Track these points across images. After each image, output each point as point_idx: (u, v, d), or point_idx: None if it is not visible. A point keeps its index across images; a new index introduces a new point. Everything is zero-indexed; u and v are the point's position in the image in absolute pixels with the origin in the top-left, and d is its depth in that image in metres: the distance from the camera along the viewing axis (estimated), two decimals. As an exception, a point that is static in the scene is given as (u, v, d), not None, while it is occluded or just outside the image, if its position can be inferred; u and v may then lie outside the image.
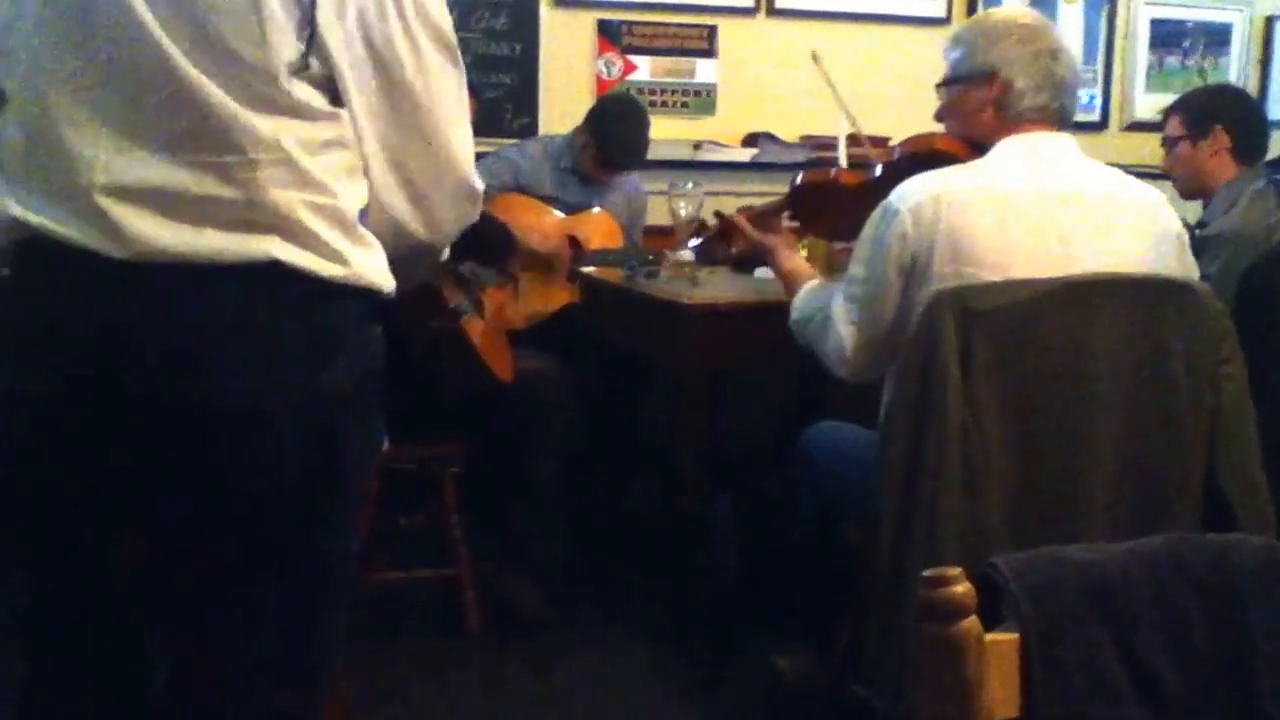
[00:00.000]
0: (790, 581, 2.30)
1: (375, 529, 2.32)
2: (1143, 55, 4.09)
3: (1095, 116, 4.04)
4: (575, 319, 2.86)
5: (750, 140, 3.63)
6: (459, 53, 1.17)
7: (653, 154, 3.13)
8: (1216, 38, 4.14)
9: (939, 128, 1.91)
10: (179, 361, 1.03)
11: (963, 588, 0.76)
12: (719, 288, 2.50)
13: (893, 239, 1.64)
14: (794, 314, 1.94)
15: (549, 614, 2.58)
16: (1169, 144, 2.57)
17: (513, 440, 2.59)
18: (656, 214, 3.08)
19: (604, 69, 3.56)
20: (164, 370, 1.03)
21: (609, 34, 3.56)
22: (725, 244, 2.32)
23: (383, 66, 1.10)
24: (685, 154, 3.50)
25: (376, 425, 1.18)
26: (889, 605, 1.59)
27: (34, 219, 1.03)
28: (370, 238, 1.12)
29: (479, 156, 3.12)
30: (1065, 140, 1.71)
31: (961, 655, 0.77)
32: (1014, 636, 0.81)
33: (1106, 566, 0.85)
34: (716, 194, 2.66)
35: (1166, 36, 4.10)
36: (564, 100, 3.48)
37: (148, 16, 1.01)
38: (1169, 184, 2.47)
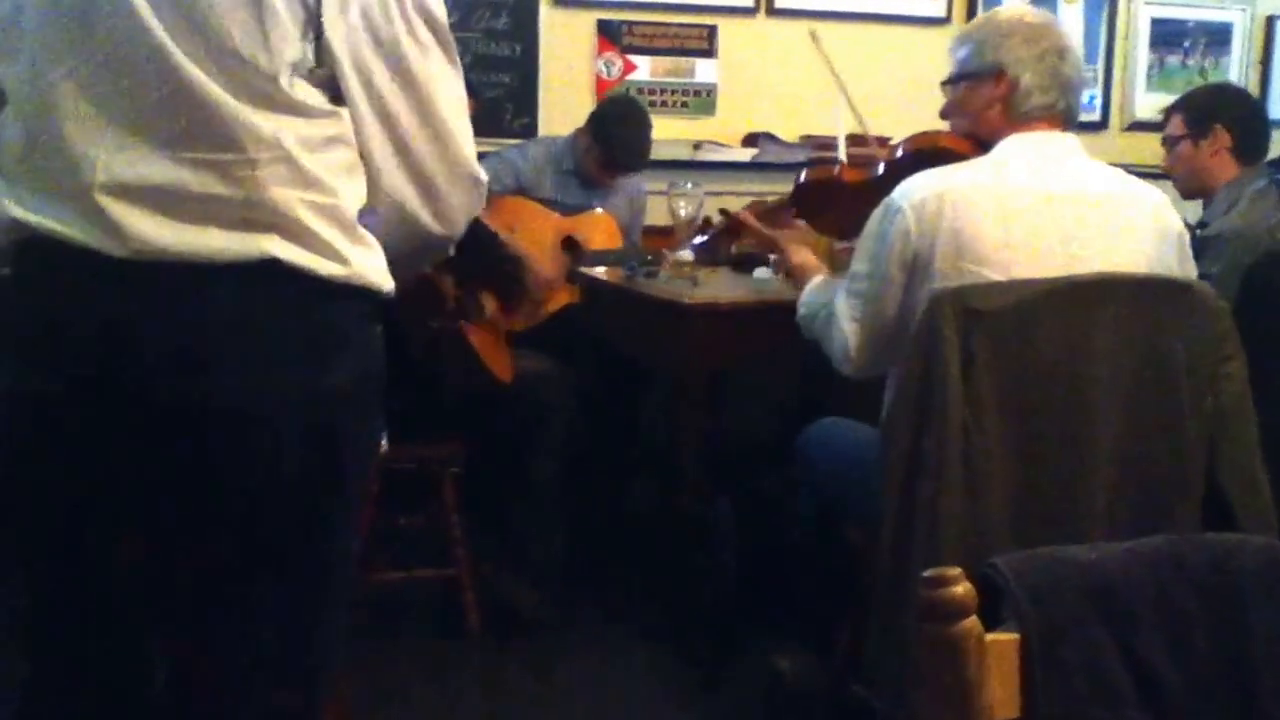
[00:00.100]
0: (790, 582, 2.30)
1: (375, 529, 2.32)
2: (1143, 55, 4.09)
3: (1095, 116, 4.03)
4: (575, 319, 2.86)
5: (750, 140, 3.63)
6: (454, 47, 1.17)
7: (653, 154, 3.13)
8: (1217, 37, 4.14)
9: (939, 127, 1.91)
10: (179, 361, 1.03)
11: (963, 588, 0.76)
12: (719, 288, 2.50)
13: (895, 236, 1.64)
14: (801, 309, 1.95)
15: (549, 614, 2.58)
16: (1170, 143, 2.57)
17: (513, 440, 2.59)
18: (656, 214, 3.08)
19: (604, 69, 3.56)
20: (164, 369, 1.03)
21: (609, 34, 3.56)
22: (730, 240, 2.32)
23: (394, 61, 1.10)
24: (685, 154, 3.50)
25: (376, 425, 1.18)
26: (889, 605, 1.58)
27: (34, 218, 1.03)
28: (370, 238, 1.12)
29: (480, 157, 3.12)
30: (1069, 140, 1.71)
31: (961, 656, 0.76)
32: (1014, 637, 0.80)
33: (1107, 567, 0.85)
34: (716, 194, 2.66)
35: (1167, 36, 4.10)
36: (564, 100, 3.48)
37: (148, 15, 1.01)
38: (1169, 184, 2.47)
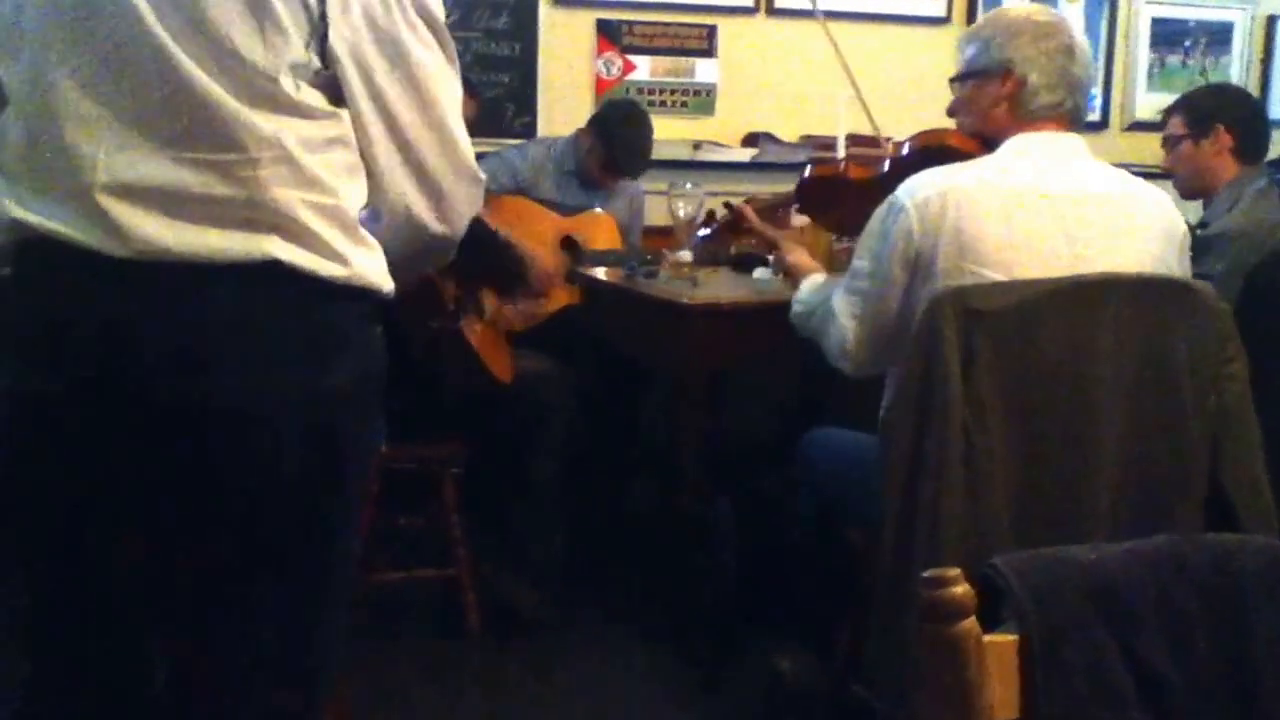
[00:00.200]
0: (790, 582, 2.30)
1: (375, 529, 2.32)
2: (1144, 54, 4.09)
3: (1096, 116, 4.03)
4: (575, 320, 2.86)
5: (750, 140, 3.63)
6: (453, 47, 1.17)
7: (653, 154, 3.13)
8: (1218, 37, 4.14)
9: (938, 126, 1.90)
10: (179, 361, 1.03)
11: (962, 589, 0.76)
12: (719, 288, 2.50)
13: (898, 234, 1.64)
14: (796, 306, 1.95)
15: (549, 614, 2.58)
16: (1170, 144, 2.57)
17: (513, 440, 2.59)
18: (656, 214, 3.08)
19: (603, 69, 3.56)
20: (164, 369, 1.03)
21: (609, 33, 3.56)
22: (733, 235, 2.32)
23: (396, 62, 1.10)
24: (685, 154, 3.50)
25: (377, 426, 1.18)
26: (890, 606, 1.58)
27: (34, 218, 1.03)
28: (370, 238, 1.12)
29: (479, 157, 3.11)
30: (1074, 140, 1.71)
31: (962, 656, 0.76)
32: (1014, 638, 0.80)
33: (1108, 567, 0.85)
34: (716, 194, 2.66)
35: (1168, 36, 4.10)
36: (563, 100, 3.48)
37: (149, 15, 1.01)
38: (1169, 184, 2.47)
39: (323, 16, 1.05)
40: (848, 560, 1.95)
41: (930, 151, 1.81)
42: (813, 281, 1.97)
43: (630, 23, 3.57)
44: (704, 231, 2.42)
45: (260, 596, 1.10)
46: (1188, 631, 0.83)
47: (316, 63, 1.06)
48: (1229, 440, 1.60)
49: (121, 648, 1.14)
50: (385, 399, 1.16)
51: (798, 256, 2.12)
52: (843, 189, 2.05)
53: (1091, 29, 4.00)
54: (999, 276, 1.58)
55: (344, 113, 1.10)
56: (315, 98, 1.07)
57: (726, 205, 2.31)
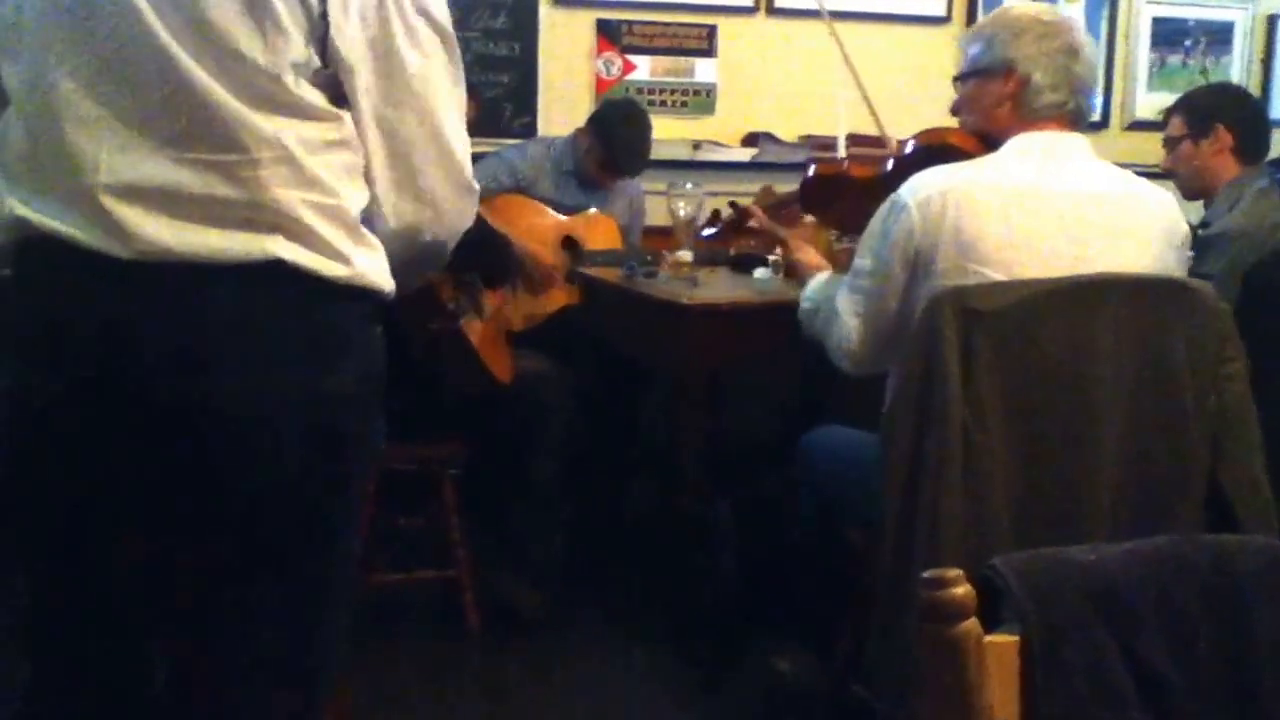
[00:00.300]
0: (790, 583, 2.30)
1: (375, 530, 2.32)
2: (1144, 54, 4.09)
3: (1096, 116, 4.03)
4: (575, 320, 2.86)
5: (750, 140, 3.62)
6: (456, 48, 1.17)
7: (652, 154, 3.13)
8: (1218, 36, 4.14)
9: (936, 125, 1.90)
10: (179, 361, 1.03)
11: (962, 589, 0.76)
12: (719, 288, 2.50)
13: (899, 233, 1.64)
14: (804, 304, 1.95)
15: (549, 615, 2.58)
16: (1170, 144, 2.57)
17: (513, 441, 2.58)
18: (656, 214, 3.07)
19: (603, 68, 3.56)
20: (164, 370, 1.03)
21: (608, 33, 3.56)
22: (737, 235, 2.32)
23: (394, 65, 1.10)
24: (685, 154, 3.50)
25: (377, 426, 1.18)
26: (890, 606, 1.58)
27: (36, 218, 1.04)
28: (372, 239, 1.12)
29: (478, 157, 3.11)
30: (1077, 140, 1.70)
31: (961, 657, 0.76)
32: (1014, 639, 0.80)
33: (1108, 568, 0.85)
34: (716, 194, 2.66)
35: (1168, 35, 4.10)
36: (563, 100, 3.48)
37: (150, 15, 1.01)
38: (1169, 184, 2.47)
39: (323, 16, 1.05)
40: (848, 560, 1.95)
41: (933, 150, 1.81)
42: (819, 279, 1.97)
43: (630, 22, 3.57)
44: (709, 230, 2.42)
45: (260, 597, 1.10)
46: (1188, 632, 0.83)
47: (316, 62, 1.06)
48: (1229, 440, 1.60)
49: (122, 648, 1.14)
50: (385, 399, 1.16)
51: (805, 254, 2.12)
52: (845, 187, 2.05)
53: (1092, 28, 4.00)
54: (1000, 276, 1.58)
55: (346, 114, 1.10)
56: (316, 97, 1.07)
57: (732, 204, 2.31)
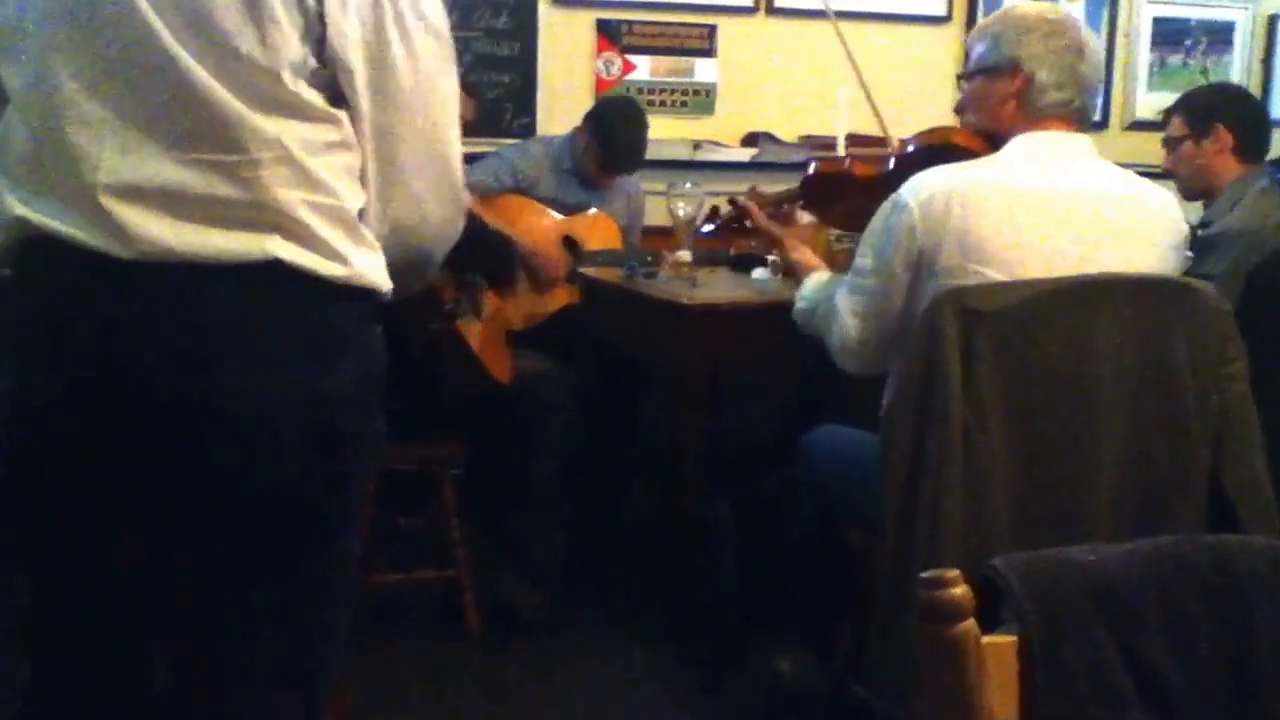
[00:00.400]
0: (791, 582, 2.30)
1: (375, 530, 2.32)
2: (1144, 54, 4.08)
3: (1097, 116, 4.02)
4: (575, 319, 2.86)
5: (750, 140, 3.62)
6: (453, 52, 1.16)
7: (652, 154, 3.13)
8: (1219, 36, 4.13)
9: (937, 125, 1.90)
10: (179, 361, 1.03)
11: (961, 590, 0.76)
12: (719, 288, 2.50)
13: (901, 232, 1.64)
14: (800, 303, 1.94)
15: (549, 615, 2.58)
16: (1171, 145, 2.57)
17: (513, 441, 2.58)
18: (656, 214, 3.07)
19: (603, 68, 3.56)
20: (164, 370, 1.03)
21: (608, 33, 3.56)
22: (735, 233, 2.32)
23: (378, 64, 1.10)
24: (685, 154, 3.50)
25: (377, 426, 1.17)
26: (890, 606, 1.58)
27: (37, 218, 1.04)
28: (371, 238, 1.12)
29: (479, 157, 3.10)
30: (1081, 141, 1.70)
31: (961, 658, 0.76)
32: (1014, 639, 0.80)
33: (1109, 568, 0.85)
34: (716, 194, 2.66)
35: (1169, 35, 4.10)
36: (563, 100, 3.48)
37: (151, 15, 1.01)
38: (1170, 184, 2.47)
39: (321, 17, 1.05)
40: (848, 560, 1.94)
41: (936, 149, 1.81)
42: (816, 279, 1.97)
43: (630, 22, 3.57)
44: (708, 227, 2.42)
45: (260, 597, 1.10)
46: (1188, 632, 0.83)
47: (314, 62, 1.06)
48: (1230, 440, 1.60)
49: (122, 648, 1.14)
50: (385, 399, 1.16)
51: (801, 254, 2.11)
52: (848, 185, 2.05)
53: (1092, 28, 3.99)
54: (1002, 277, 1.57)
55: (344, 115, 1.10)
56: (315, 97, 1.07)
57: (731, 201, 2.31)
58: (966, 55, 1.84)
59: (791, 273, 2.14)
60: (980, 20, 3.62)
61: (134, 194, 1.02)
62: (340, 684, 1.78)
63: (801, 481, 2.08)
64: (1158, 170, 2.59)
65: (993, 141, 1.74)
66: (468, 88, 2.81)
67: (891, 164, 1.97)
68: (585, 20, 3.54)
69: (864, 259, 1.74)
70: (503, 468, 2.61)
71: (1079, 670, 0.80)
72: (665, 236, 2.71)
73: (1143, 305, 1.58)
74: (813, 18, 3.65)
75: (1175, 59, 4.12)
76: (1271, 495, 1.61)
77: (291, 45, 1.04)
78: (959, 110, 1.86)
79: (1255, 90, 4.04)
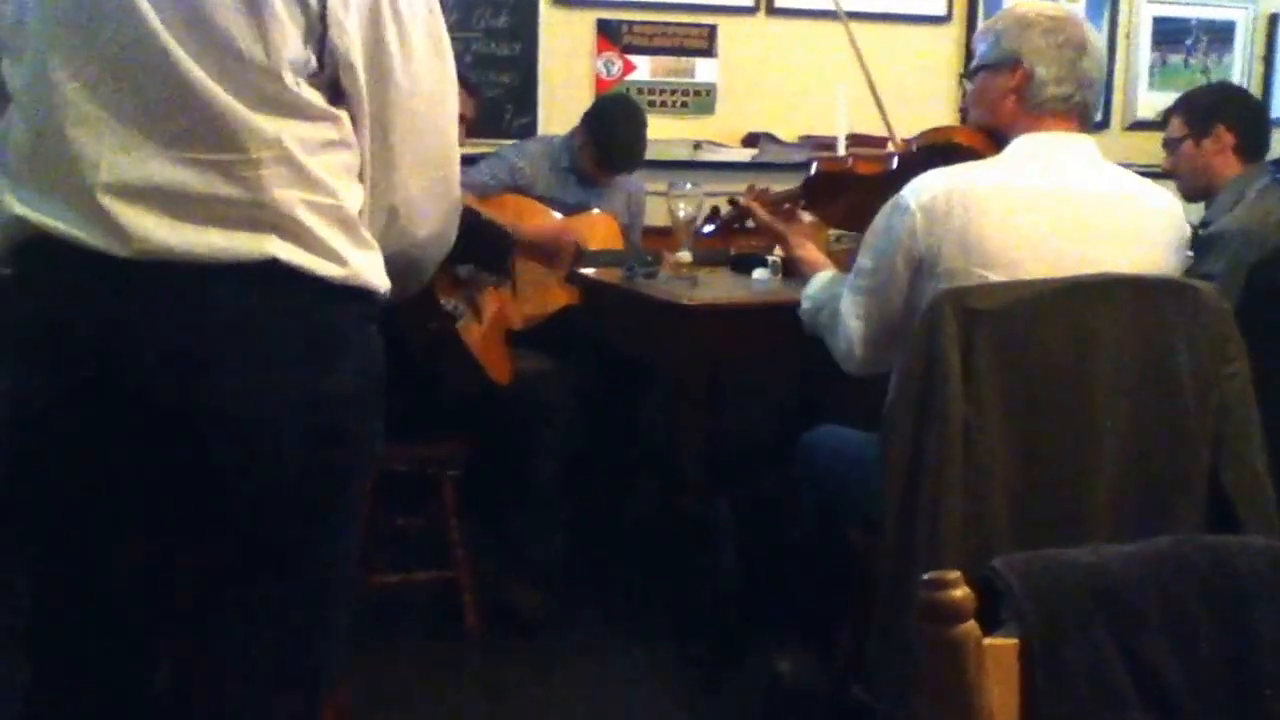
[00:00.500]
0: (790, 582, 2.29)
1: (374, 530, 2.31)
2: (1145, 53, 4.08)
3: (1097, 115, 4.02)
4: (575, 319, 2.85)
5: (750, 140, 3.62)
6: (451, 55, 1.16)
7: (651, 154, 3.13)
8: (1220, 35, 4.13)
9: (937, 124, 1.90)
10: (179, 361, 1.03)
11: (961, 591, 0.76)
12: (719, 288, 2.49)
13: (903, 234, 1.64)
14: (805, 303, 1.94)
15: (549, 615, 2.58)
16: (1171, 145, 2.57)
17: (513, 440, 2.58)
18: (656, 214, 3.07)
19: (604, 68, 3.56)
20: (164, 369, 1.03)
21: (609, 33, 3.56)
22: (734, 233, 2.31)
23: (377, 66, 1.10)
24: (685, 154, 3.50)
25: (377, 426, 1.18)
26: (890, 606, 1.58)
27: (36, 218, 1.04)
28: (370, 239, 1.13)
29: (479, 157, 3.09)
30: (1084, 141, 1.70)
31: (961, 659, 0.76)
32: (1014, 640, 0.80)
33: (1109, 568, 0.85)
34: (716, 194, 2.66)
35: (1169, 34, 4.09)
36: (564, 100, 3.48)
37: (152, 15, 1.02)
38: (1171, 184, 2.46)
39: (322, 18, 1.05)
40: (848, 560, 1.94)
41: (938, 149, 1.81)
42: (822, 278, 1.96)
43: (630, 22, 3.57)
44: (708, 227, 2.41)
45: (260, 597, 1.10)
46: (1189, 633, 0.83)
47: (314, 63, 1.06)
48: (1230, 440, 1.60)
49: (122, 649, 1.14)
50: (385, 399, 1.16)
51: (806, 251, 2.10)
52: (850, 184, 2.04)
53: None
54: (1003, 279, 1.57)
55: (344, 114, 1.10)
56: (315, 97, 1.07)
57: (732, 201, 2.31)
58: (970, 55, 1.84)
59: (795, 270, 2.13)
60: (982, 20, 3.63)
61: (133, 193, 1.02)
62: (340, 684, 1.78)
63: (801, 481, 2.07)
64: (1158, 170, 2.59)
65: (995, 139, 1.74)
66: (467, 85, 2.81)
67: (894, 163, 1.96)
68: (586, 20, 3.54)
69: (865, 261, 1.74)
70: (502, 468, 2.61)
71: (1079, 670, 0.80)
72: (665, 237, 2.71)
73: (1143, 305, 1.57)
74: (813, 18, 3.66)
75: (1176, 59, 4.11)
76: (1272, 495, 1.61)
77: (292, 45, 1.04)
78: (964, 109, 1.86)
79: (1256, 90, 4.04)
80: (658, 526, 2.72)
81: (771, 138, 3.59)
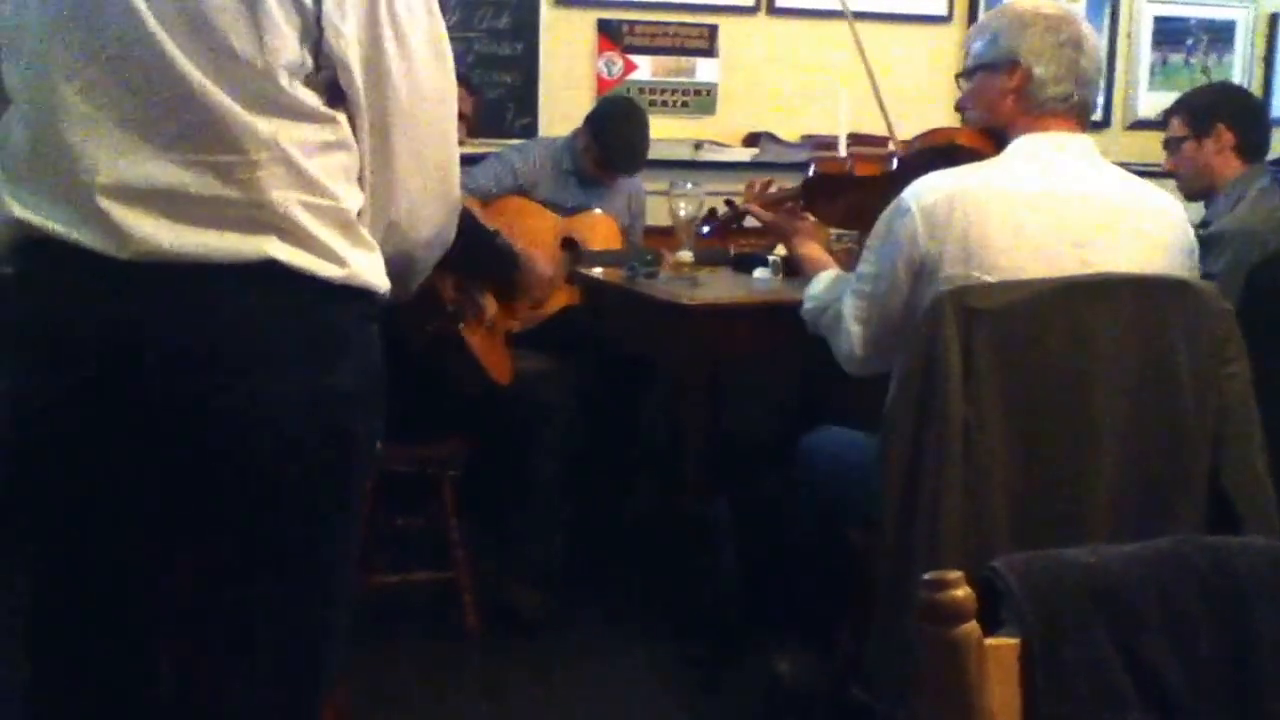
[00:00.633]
0: (790, 582, 2.29)
1: (374, 531, 2.32)
2: (1146, 53, 4.08)
3: (1098, 115, 4.02)
4: (575, 319, 2.85)
5: (751, 140, 3.62)
6: (450, 56, 1.16)
7: (653, 154, 3.13)
8: (1220, 35, 4.13)
9: (937, 125, 1.90)
10: (179, 361, 1.03)
11: (962, 591, 0.76)
12: (719, 288, 2.49)
13: (904, 238, 1.63)
14: (808, 303, 1.93)
15: (549, 615, 2.58)
16: (1172, 145, 2.56)
17: (513, 440, 2.58)
18: (656, 214, 3.07)
19: (605, 68, 3.56)
20: (164, 370, 1.03)
21: (610, 33, 3.56)
22: (732, 234, 2.31)
23: (374, 67, 1.10)
24: (685, 154, 3.50)
25: (377, 426, 1.18)
26: (890, 606, 1.58)
27: (36, 219, 1.04)
28: (369, 239, 1.13)
29: (479, 158, 3.10)
30: (1084, 142, 1.69)
31: (961, 659, 0.76)
32: (1015, 641, 0.80)
33: (1109, 569, 0.85)
34: (717, 194, 2.66)
35: (1170, 34, 4.09)
36: (565, 100, 3.48)
37: (150, 17, 1.02)
38: (1171, 183, 2.46)
39: (319, 19, 1.05)
40: (848, 560, 1.94)
41: (939, 150, 1.80)
42: (825, 277, 1.96)
43: (631, 22, 3.57)
44: (705, 228, 2.41)
45: (260, 597, 1.10)
46: (1189, 633, 0.83)
47: (310, 64, 1.06)
48: (1231, 439, 1.60)
49: (123, 648, 1.14)
50: (385, 399, 1.16)
51: (809, 249, 2.10)
52: (849, 186, 2.04)
53: (1093, 27, 3.99)
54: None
55: (342, 115, 1.10)
56: (311, 98, 1.07)
57: (729, 203, 2.31)
58: (965, 54, 1.83)
59: (797, 269, 2.12)
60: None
61: (131, 194, 1.02)
62: (340, 684, 1.78)
63: (801, 481, 2.07)
64: (1158, 170, 2.59)
65: (996, 139, 1.73)
66: (468, 85, 2.82)
67: (895, 164, 1.96)
68: (587, 20, 3.54)
69: (867, 264, 1.73)
70: (502, 468, 2.61)
71: (1079, 671, 0.80)
72: (666, 236, 2.71)
73: (1143, 305, 1.57)
74: (814, 17, 3.66)
75: (1176, 58, 4.11)
76: (1272, 495, 1.60)
77: (289, 47, 1.04)
78: (960, 108, 1.86)
79: (1256, 90, 4.03)
80: (658, 526, 2.72)
81: (772, 137, 3.59)
